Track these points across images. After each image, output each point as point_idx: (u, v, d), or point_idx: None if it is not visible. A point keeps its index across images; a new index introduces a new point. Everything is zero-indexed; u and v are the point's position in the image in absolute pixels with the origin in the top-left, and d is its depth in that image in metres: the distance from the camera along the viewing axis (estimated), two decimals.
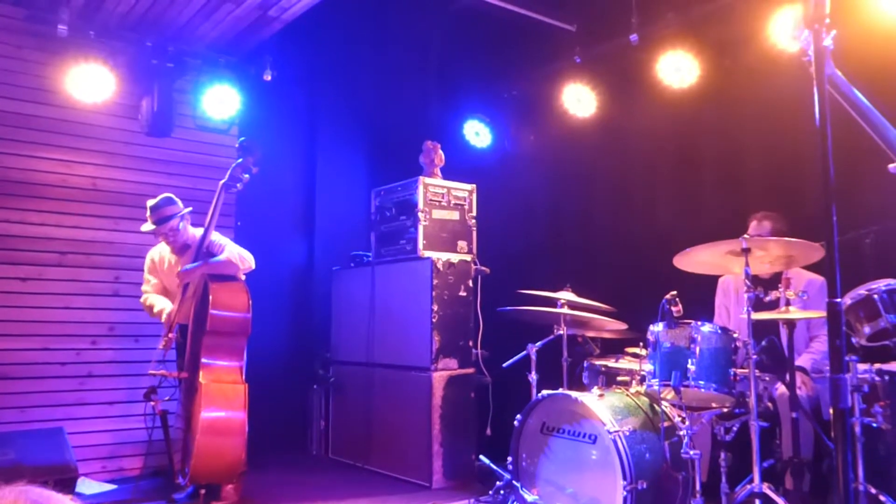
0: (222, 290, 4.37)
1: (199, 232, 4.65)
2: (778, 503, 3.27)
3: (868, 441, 3.13)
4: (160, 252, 4.93)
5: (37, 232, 5.39)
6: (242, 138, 4.66)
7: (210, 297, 4.30)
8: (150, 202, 4.69)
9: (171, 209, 4.66)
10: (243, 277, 4.61)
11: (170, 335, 4.49)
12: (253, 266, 4.65)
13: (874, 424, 3.13)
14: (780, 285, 3.53)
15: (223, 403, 4.20)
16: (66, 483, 4.58)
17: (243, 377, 4.38)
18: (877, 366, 3.18)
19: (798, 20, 2.03)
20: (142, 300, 4.95)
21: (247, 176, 4.59)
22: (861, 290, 3.11)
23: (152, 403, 4.27)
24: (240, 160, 4.58)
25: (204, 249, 4.53)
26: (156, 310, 4.80)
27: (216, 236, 4.67)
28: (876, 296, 3.06)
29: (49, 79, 5.44)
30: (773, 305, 3.80)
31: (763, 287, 3.46)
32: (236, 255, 4.54)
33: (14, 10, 5.37)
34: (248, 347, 4.75)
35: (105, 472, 5.51)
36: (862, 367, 3.18)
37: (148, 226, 4.69)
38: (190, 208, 4.78)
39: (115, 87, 5.46)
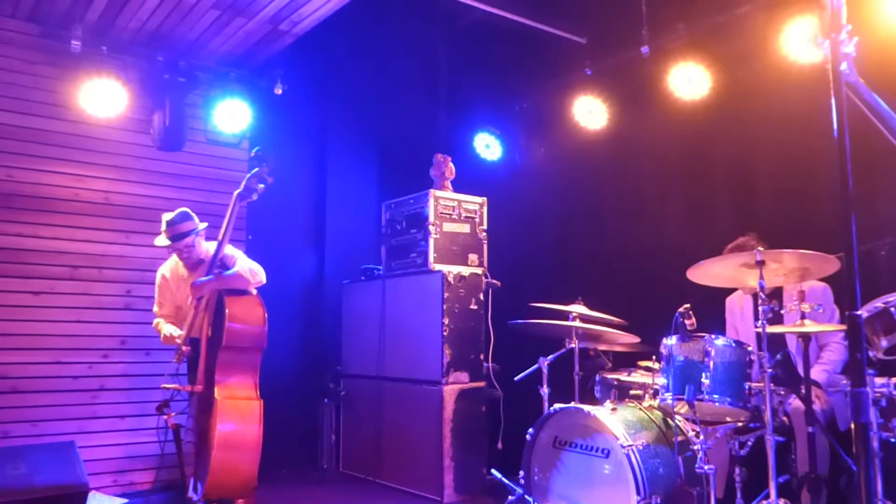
0: (238, 304, 4.33)
1: (212, 246, 4.59)
2: None
3: (886, 456, 3.08)
4: (171, 267, 4.84)
5: (49, 246, 5.42)
6: (257, 148, 4.58)
7: (226, 311, 4.26)
8: (167, 216, 4.60)
9: (187, 225, 4.57)
10: (254, 292, 4.54)
11: (183, 349, 4.42)
12: (264, 281, 4.57)
13: (892, 439, 3.09)
14: (794, 298, 3.49)
15: (239, 418, 4.17)
16: (76, 498, 4.57)
17: (258, 393, 4.33)
18: (894, 379, 3.14)
19: (818, 30, 2.01)
20: (154, 324, 4.85)
21: (262, 186, 4.49)
22: (877, 303, 3.06)
23: (165, 417, 4.23)
24: (255, 170, 4.49)
25: (217, 263, 4.46)
26: (164, 334, 4.71)
27: (229, 249, 4.60)
28: (893, 308, 3.01)
29: (62, 94, 5.49)
30: (778, 318, 3.77)
31: (772, 301, 3.43)
32: (247, 269, 4.47)
33: (28, 26, 5.42)
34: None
35: (116, 486, 5.51)
36: (879, 380, 3.14)
37: (162, 240, 4.60)
38: (206, 224, 4.71)
39: (127, 101, 5.50)
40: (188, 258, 4.67)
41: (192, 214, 4.65)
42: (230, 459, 4.09)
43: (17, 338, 5.25)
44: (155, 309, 4.88)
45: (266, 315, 4.44)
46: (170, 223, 4.57)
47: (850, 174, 1.83)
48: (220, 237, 4.47)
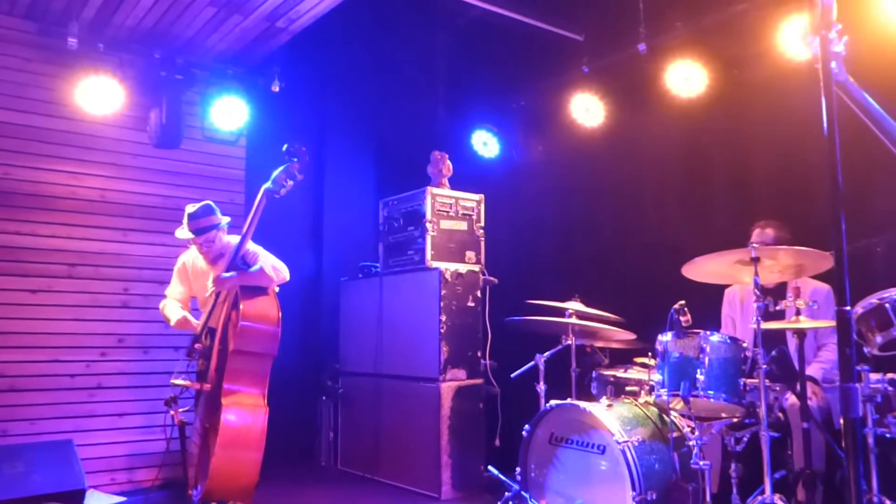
0: (254, 303, 4.24)
1: (234, 239, 4.48)
2: None
3: (882, 452, 3.09)
4: (192, 257, 4.74)
5: (46, 244, 5.42)
6: (286, 145, 4.47)
7: (241, 308, 4.18)
8: (190, 209, 4.48)
9: (209, 220, 4.47)
10: (277, 290, 4.42)
11: (196, 346, 4.34)
12: (287, 278, 4.43)
13: (887, 435, 3.09)
14: (788, 294, 3.50)
15: (243, 422, 4.13)
16: (74, 496, 4.58)
17: (265, 402, 4.28)
18: (889, 375, 3.15)
19: (808, 27, 2.02)
20: (161, 305, 4.78)
21: (291, 182, 4.34)
22: (872, 299, 3.07)
23: (172, 413, 4.16)
24: (285, 165, 4.35)
25: (239, 258, 4.36)
26: (172, 322, 4.64)
27: (251, 245, 4.47)
28: (888, 304, 3.02)
29: (59, 91, 5.49)
30: (780, 315, 3.77)
31: (769, 297, 3.43)
32: (270, 266, 4.35)
33: (25, 23, 5.42)
34: None
35: (114, 485, 5.51)
36: (874, 376, 3.15)
37: (184, 233, 4.48)
38: (228, 219, 4.61)
39: (123, 99, 5.49)
40: (207, 252, 4.56)
41: (216, 208, 4.53)
42: (232, 461, 4.06)
43: (15, 336, 5.25)
44: (167, 290, 4.79)
45: (280, 317, 4.32)
46: (192, 216, 4.46)
47: (840, 171, 1.83)
48: (243, 231, 4.34)
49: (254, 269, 4.35)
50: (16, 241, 5.30)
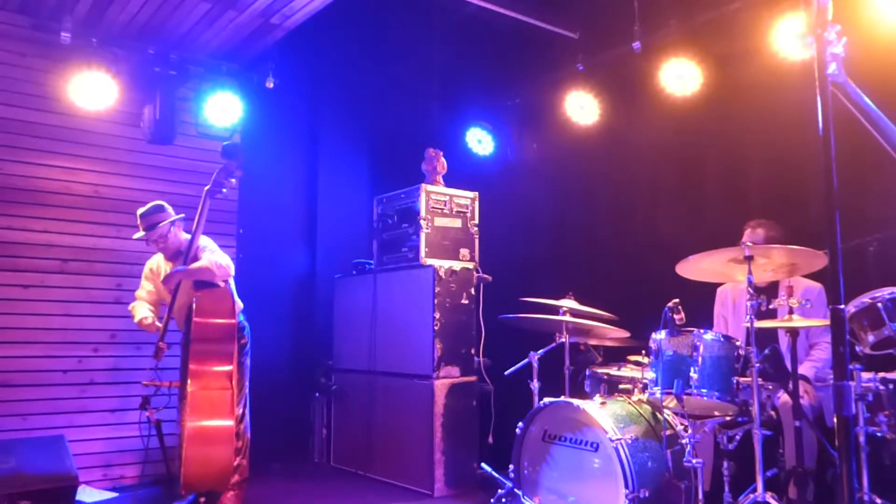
0: (205, 298, 4.37)
1: (202, 239, 4.62)
2: None
3: (873, 450, 3.11)
4: (157, 261, 4.90)
5: (39, 239, 5.40)
6: (226, 142, 4.58)
7: (194, 305, 4.31)
8: (140, 210, 4.68)
9: (160, 216, 4.65)
10: (222, 284, 4.54)
11: (160, 345, 4.43)
12: (231, 273, 4.59)
13: (878, 434, 3.11)
14: (781, 293, 3.51)
15: (209, 412, 4.16)
16: (66, 492, 4.56)
17: (233, 382, 4.33)
18: (881, 374, 3.17)
19: (805, 27, 2.04)
20: (130, 306, 4.87)
21: (232, 181, 4.54)
22: (865, 298, 3.09)
23: (147, 413, 4.23)
24: (223, 166, 4.51)
25: (192, 255, 4.50)
26: (136, 318, 4.74)
27: (205, 241, 4.63)
28: (880, 304, 3.04)
29: (52, 86, 5.46)
30: (772, 314, 3.79)
31: (762, 295, 3.45)
32: (213, 262, 4.48)
33: (18, 17, 5.39)
34: (250, 355, 4.76)
35: (106, 480, 5.50)
36: (866, 375, 3.16)
37: (138, 233, 4.69)
38: (182, 215, 4.75)
39: (117, 94, 5.47)
40: (165, 249, 4.75)
41: (167, 206, 4.72)
42: (202, 452, 4.09)
43: (7, 331, 5.23)
44: (137, 292, 4.90)
45: (235, 307, 4.46)
46: (143, 215, 4.67)
47: (835, 171, 1.84)
48: (192, 231, 4.52)
49: (195, 264, 4.48)
50: (8, 236, 5.28)
